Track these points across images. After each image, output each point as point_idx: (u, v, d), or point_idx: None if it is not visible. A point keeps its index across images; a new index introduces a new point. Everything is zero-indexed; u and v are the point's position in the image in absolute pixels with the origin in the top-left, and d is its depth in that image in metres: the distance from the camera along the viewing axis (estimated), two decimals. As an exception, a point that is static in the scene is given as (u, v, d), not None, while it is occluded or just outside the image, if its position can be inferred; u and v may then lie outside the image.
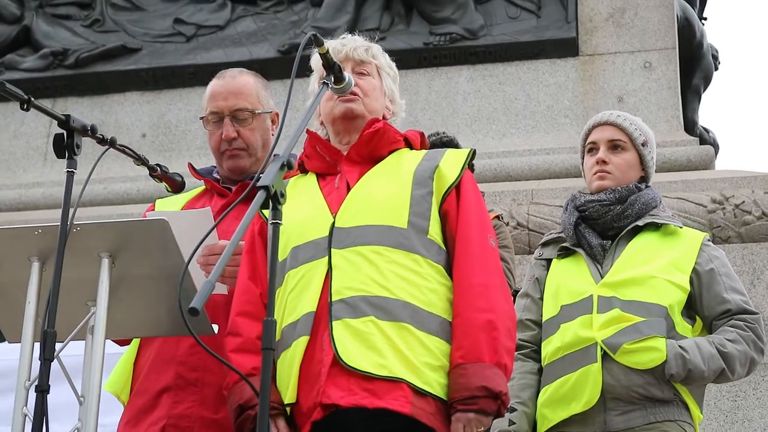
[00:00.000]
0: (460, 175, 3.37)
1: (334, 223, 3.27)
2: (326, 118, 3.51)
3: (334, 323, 3.10)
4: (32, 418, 2.95)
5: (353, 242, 3.21)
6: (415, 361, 3.07)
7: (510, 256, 5.58)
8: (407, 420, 3.02)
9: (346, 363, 3.04)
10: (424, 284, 3.19)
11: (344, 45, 3.56)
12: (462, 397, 3.05)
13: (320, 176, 3.48)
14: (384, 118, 3.55)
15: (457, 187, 3.35)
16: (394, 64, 3.70)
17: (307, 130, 3.51)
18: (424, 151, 3.49)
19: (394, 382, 3.04)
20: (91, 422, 2.99)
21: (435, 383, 3.08)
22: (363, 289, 3.13)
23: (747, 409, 5.79)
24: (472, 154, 3.50)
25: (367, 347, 3.06)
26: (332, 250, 3.22)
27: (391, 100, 3.62)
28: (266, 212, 3.43)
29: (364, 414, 3.04)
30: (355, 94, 3.46)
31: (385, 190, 3.32)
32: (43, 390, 2.96)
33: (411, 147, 3.53)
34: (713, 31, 27.44)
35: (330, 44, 3.47)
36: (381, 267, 3.17)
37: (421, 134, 3.60)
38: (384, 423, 3.04)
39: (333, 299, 3.13)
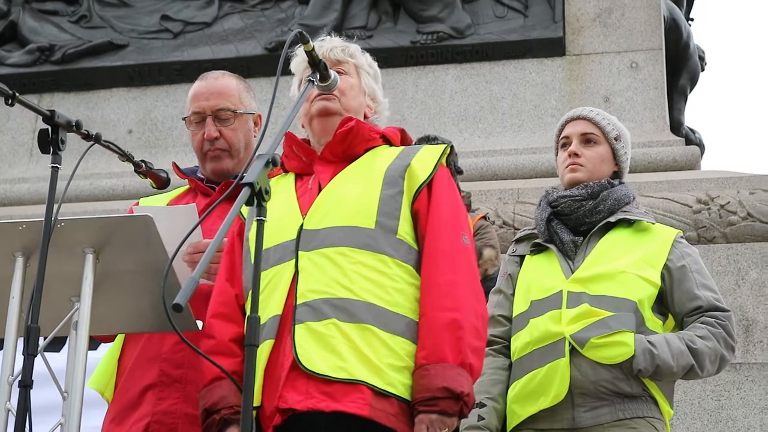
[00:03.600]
0: (432, 172, 3.33)
1: (302, 225, 3.26)
2: (305, 118, 3.51)
3: (297, 327, 3.10)
4: (15, 414, 2.95)
5: (320, 244, 3.20)
6: (378, 362, 3.04)
7: (497, 254, 5.59)
8: (366, 422, 2.99)
9: (305, 366, 3.03)
10: (390, 284, 3.16)
11: (321, 47, 3.53)
12: (424, 398, 3.01)
13: (298, 176, 3.48)
14: (365, 116, 3.54)
15: (429, 184, 3.31)
16: (375, 63, 3.68)
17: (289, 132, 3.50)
18: (400, 149, 3.46)
19: (353, 384, 3.01)
20: (75, 418, 2.98)
21: (399, 384, 3.05)
22: (327, 292, 3.12)
23: (731, 408, 5.80)
24: (450, 150, 3.46)
25: (327, 350, 3.04)
26: (299, 252, 3.21)
27: (373, 98, 3.60)
28: (245, 211, 3.45)
29: (322, 417, 3.02)
30: (330, 93, 3.47)
31: (354, 191, 3.29)
32: (26, 385, 2.95)
33: (391, 144, 3.51)
34: (700, 32, 27.51)
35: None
36: (345, 268, 3.14)
37: (401, 131, 3.57)
38: (342, 426, 3.02)
39: (297, 302, 3.13)
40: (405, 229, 3.25)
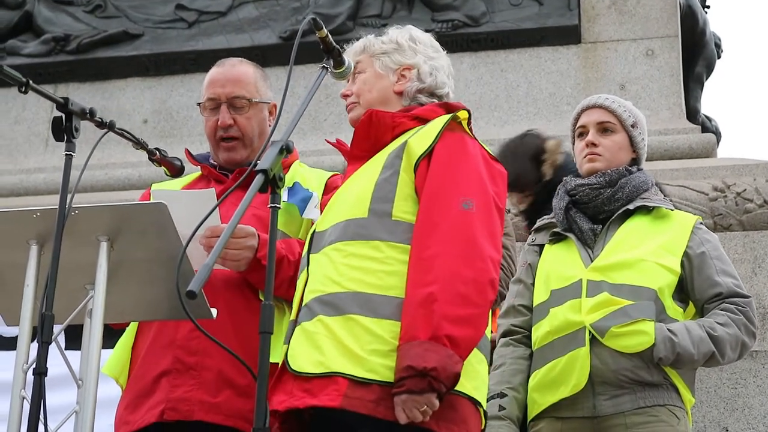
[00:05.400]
0: (432, 143, 3.25)
1: (315, 229, 3.30)
2: None
3: (296, 329, 3.15)
4: (30, 401, 2.95)
5: (323, 245, 3.22)
6: (360, 350, 3.02)
7: (511, 243, 5.56)
8: (341, 413, 2.99)
9: (290, 367, 3.07)
10: (381, 269, 3.12)
11: None
12: (396, 380, 2.97)
13: None
14: (399, 92, 3.49)
15: (429, 155, 3.23)
16: (399, 34, 3.59)
17: (327, 140, 3.57)
18: (419, 127, 3.36)
19: (330, 377, 3.00)
20: (89, 405, 2.99)
21: (383, 369, 3.00)
22: (319, 290, 3.14)
23: (747, 396, 5.78)
24: (462, 115, 3.37)
25: (312, 347, 3.06)
26: (310, 256, 3.26)
27: (404, 68, 3.52)
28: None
29: (302, 414, 3.07)
30: (352, 102, 3.50)
31: (358, 184, 3.28)
32: (41, 372, 2.96)
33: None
34: (716, 20, 27.38)
35: None
36: (337, 263, 3.15)
37: (445, 104, 3.48)
38: (320, 419, 3.06)
39: (302, 306, 3.18)
40: (403, 209, 3.19)
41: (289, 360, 3.08)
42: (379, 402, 2.99)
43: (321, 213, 3.46)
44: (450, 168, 3.22)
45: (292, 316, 3.23)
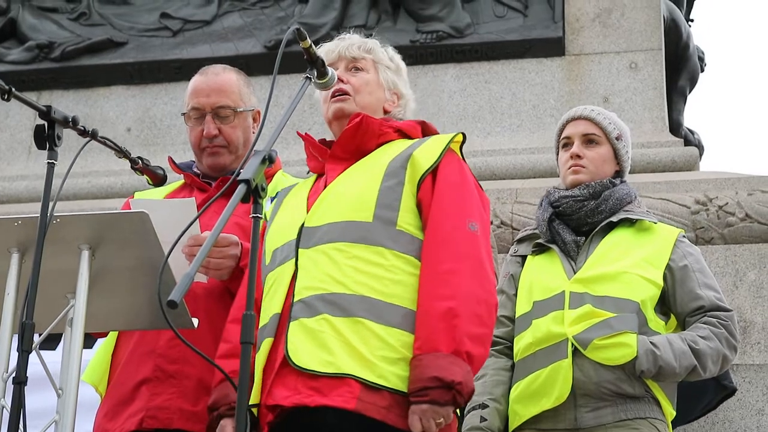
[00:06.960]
0: (437, 160, 3.29)
1: (303, 223, 3.27)
2: (324, 120, 3.52)
3: (291, 324, 3.11)
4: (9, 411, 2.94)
5: (318, 241, 3.20)
6: (369, 355, 3.03)
7: (493, 255, 5.58)
8: (354, 416, 2.98)
9: (294, 363, 3.04)
10: (387, 276, 3.13)
11: (338, 45, 3.56)
12: (416, 388, 2.98)
13: (319, 177, 3.48)
14: (386, 111, 3.53)
15: (434, 171, 3.28)
16: (398, 57, 3.67)
17: (298, 133, 3.53)
18: (412, 141, 3.42)
19: (341, 378, 2.99)
20: (69, 415, 2.98)
21: (392, 376, 3.02)
22: (321, 288, 3.12)
23: (728, 410, 5.78)
24: (457, 138, 3.41)
25: (317, 346, 3.04)
26: (299, 250, 3.22)
27: (394, 92, 3.58)
28: (268, 214, 3.48)
29: (312, 412, 3.03)
30: (345, 92, 3.47)
31: (355, 186, 3.28)
32: (20, 382, 2.94)
33: (410, 138, 3.46)
34: (700, 33, 27.45)
35: (326, 45, 3.51)
36: (340, 263, 3.14)
37: (422, 123, 3.53)
38: (330, 420, 3.02)
39: (294, 300, 3.14)
40: (406, 220, 3.22)
41: (291, 355, 3.05)
42: (390, 409, 3.01)
43: None
44: (457, 189, 3.27)
45: (277, 309, 3.18)
